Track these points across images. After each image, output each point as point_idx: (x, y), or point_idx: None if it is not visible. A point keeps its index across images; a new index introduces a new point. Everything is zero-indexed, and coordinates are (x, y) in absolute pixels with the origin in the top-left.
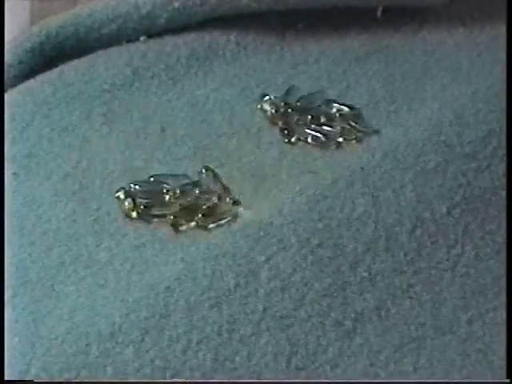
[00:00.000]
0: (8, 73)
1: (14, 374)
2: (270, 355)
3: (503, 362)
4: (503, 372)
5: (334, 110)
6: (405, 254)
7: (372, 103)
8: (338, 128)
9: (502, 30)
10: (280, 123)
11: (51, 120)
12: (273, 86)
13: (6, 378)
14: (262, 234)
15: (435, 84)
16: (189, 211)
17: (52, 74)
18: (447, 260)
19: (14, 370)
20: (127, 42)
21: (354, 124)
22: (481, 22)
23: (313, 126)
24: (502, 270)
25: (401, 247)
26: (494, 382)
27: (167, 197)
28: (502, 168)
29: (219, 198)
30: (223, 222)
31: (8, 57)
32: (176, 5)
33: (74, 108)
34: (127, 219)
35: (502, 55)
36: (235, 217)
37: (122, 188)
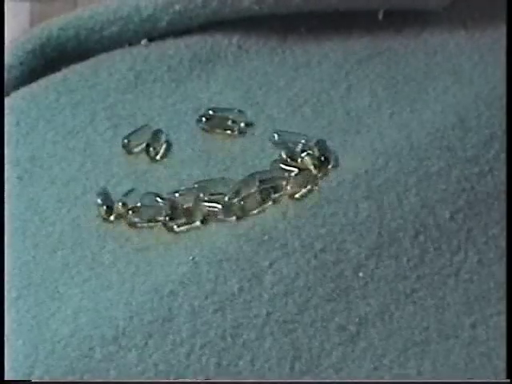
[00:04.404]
0: (9, 74)
1: (18, 376)
2: (274, 359)
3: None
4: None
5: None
6: (408, 259)
7: (374, 106)
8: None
9: (504, 32)
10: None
11: (55, 124)
12: (275, 89)
13: (6, 379)
14: (265, 238)
15: (437, 86)
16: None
17: (55, 79)
18: (450, 266)
19: (18, 372)
20: (129, 44)
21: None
22: (482, 24)
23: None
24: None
25: (404, 252)
26: (494, 382)
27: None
28: (504, 172)
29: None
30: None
31: (9, 58)
32: (177, 7)
33: (78, 112)
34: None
35: (504, 57)
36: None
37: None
